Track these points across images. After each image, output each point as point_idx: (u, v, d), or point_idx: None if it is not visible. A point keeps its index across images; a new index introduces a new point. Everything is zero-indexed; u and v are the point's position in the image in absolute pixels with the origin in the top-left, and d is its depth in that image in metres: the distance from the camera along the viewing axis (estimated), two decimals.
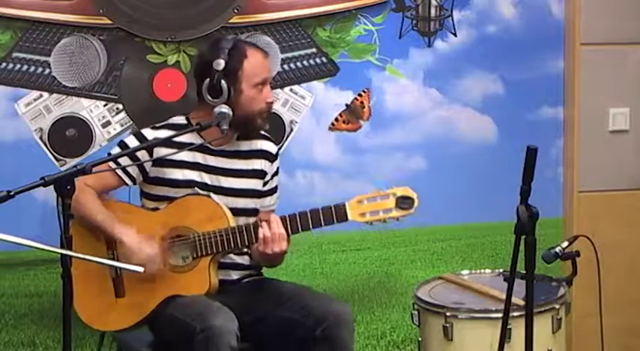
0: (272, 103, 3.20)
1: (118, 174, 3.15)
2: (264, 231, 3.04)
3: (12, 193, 2.42)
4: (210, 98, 3.12)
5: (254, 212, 3.25)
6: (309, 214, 3.04)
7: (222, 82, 3.09)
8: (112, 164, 3.08)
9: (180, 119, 3.22)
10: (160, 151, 3.10)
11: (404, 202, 3.01)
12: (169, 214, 3.13)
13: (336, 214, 3.03)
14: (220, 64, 3.09)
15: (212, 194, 3.16)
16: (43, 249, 2.38)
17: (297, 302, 3.11)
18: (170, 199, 3.15)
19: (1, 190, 2.43)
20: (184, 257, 3.10)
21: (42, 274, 3.74)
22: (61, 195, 2.48)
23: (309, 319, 3.05)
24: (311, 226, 3.06)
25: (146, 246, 3.06)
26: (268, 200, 3.31)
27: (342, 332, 3.05)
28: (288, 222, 3.06)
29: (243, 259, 3.27)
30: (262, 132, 3.29)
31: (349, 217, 3.03)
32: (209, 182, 3.18)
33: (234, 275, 3.25)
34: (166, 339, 3.12)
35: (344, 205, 3.03)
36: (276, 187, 3.35)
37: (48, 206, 2.58)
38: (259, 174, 3.26)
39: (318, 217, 3.04)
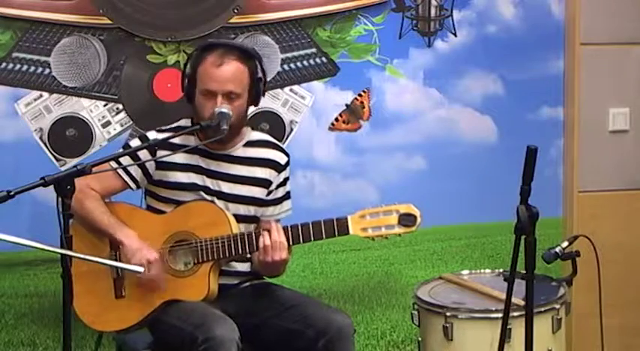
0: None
1: (121, 176, 3.14)
2: (264, 239, 3.02)
3: (12, 193, 2.42)
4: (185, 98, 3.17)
5: (255, 220, 3.23)
6: (310, 226, 3.03)
7: (184, 82, 3.13)
8: (113, 164, 3.07)
9: (186, 122, 3.21)
10: (162, 153, 3.09)
11: (407, 219, 3.00)
12: (173, 218, 3.13)
13: (338, 227, 3.02)
14: (186, 65, 3.14)
15: (215, 199, 3.15)
16: (43, 249, 2.39)
17: (298, 312, 3.10)
18: (174, 202, 3.14)
19: (1, 190, 2.43)
20: (186, 262, 3.10)
21: (42, 274, 3.74)
22: (61, 195, 2.48)
23: (311, 330, 3.04)
24: (312, 238, 3.04)
25: (145, 251, 3.04)
26: (271, 210, 3.26)
27: (345, 346, 3.04)
28: (289, 232, 3.04)
29: (244, 267, 3.26)
30: (274, 141, 3.28)
31: (351, 231, 3.02)
32: (210, 186, 3.16)
33: (235, 280, 3.24)
34: (167, 345, 3.11)
35: (346, 219, 3.02)
36: (281, 197, 3.28)
37: (48, 206, 2.57)
38: (262, 182, 3.22)
39: (320, 230, 3.02)
